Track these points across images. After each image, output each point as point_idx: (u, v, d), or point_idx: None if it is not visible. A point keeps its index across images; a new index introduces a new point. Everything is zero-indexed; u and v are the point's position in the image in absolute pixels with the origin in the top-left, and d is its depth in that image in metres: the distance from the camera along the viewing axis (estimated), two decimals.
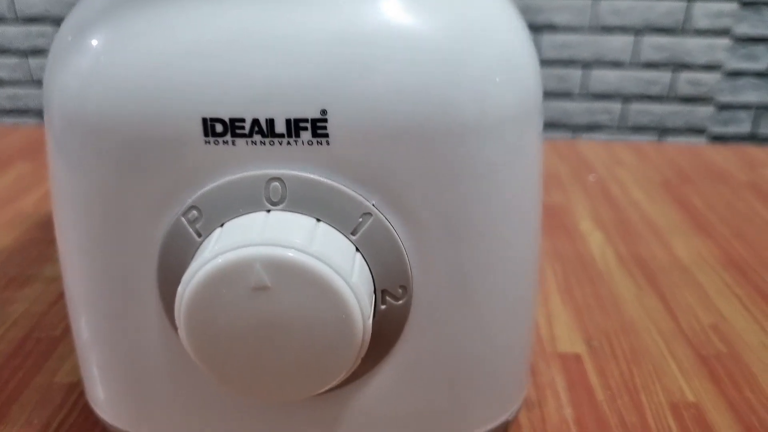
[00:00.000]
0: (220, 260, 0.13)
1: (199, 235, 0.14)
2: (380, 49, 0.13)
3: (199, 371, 0.16)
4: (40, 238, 0.32)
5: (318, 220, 0.14)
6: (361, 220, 0.14)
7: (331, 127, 0.14)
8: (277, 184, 0.14)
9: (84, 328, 0.17)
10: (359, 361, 0.14)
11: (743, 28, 1.03)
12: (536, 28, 1.03)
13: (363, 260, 0.14)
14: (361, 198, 0.14)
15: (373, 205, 0.14)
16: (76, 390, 0.22)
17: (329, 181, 0.14)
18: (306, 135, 0.14)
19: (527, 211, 0.16)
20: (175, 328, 0.15)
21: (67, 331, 0.25)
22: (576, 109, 1.09)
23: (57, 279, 0.28)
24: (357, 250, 0.14)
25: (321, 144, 0.14)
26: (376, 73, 0.13)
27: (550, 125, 1.09)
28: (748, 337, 0.26)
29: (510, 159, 0.15)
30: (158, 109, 0.14)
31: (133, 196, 0.15)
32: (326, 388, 0.14)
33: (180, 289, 0.13)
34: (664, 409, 0.22)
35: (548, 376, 0.23)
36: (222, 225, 0.14)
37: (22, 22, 1.05)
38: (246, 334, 0.13)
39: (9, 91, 1.10)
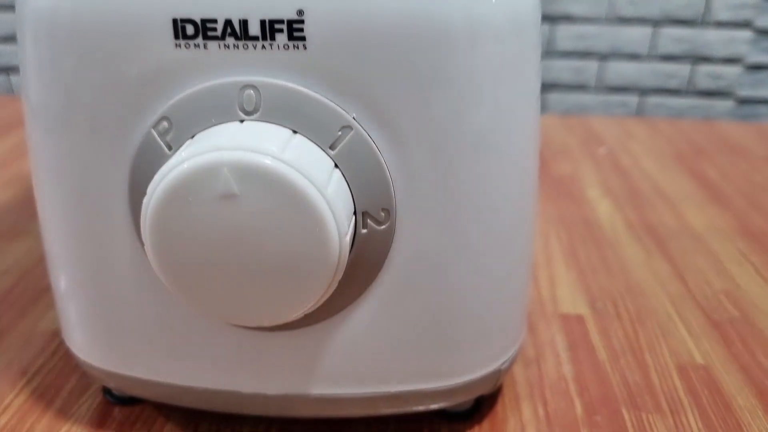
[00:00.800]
0: (185, 166, 0.12)
1: (170, 148, 0.14)
2: None
3: (174, 300, 0.15)
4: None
5: (294, 131, 0.13)
6: (340, 133, 0.13)
7: (309, 29, 0.13)
8: (251, 92, 0.13)
9: (58, 259, 0.16)
10: (336, 283, 0.13)
11: (765, 21, 1.00)
12: (552, 19, 1.01)
13: (342, 177, 0.13)
14: (340, 109, 0.13)
15: (354, 118, 0.13)
16: (57, 337, 0.21)
17: (306, 90, 0.13)
18: (282, 38, 0.13)
19: (521, 133, 0.15)
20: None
21: None
22: (592, 102, 1.07)
23: None
24: (336, 166, 0.13)
25: (298, 48, 0.13)
26: None
27: None
28: (762, 303, 0.24)
29: (502, 75, 0.14)
30: (128, 10, 0.13)
31: (103, 108, 0.14)
32: (302, 311, 0.13)
33: (145, 200, 0.13)
34: (670, 369, 0.20)
35: (548, 335, 0.22)
36: (193, 137, 0.13)
37: None
38: (214, 248, 0.13)
39: (19, 78, 1.11)
